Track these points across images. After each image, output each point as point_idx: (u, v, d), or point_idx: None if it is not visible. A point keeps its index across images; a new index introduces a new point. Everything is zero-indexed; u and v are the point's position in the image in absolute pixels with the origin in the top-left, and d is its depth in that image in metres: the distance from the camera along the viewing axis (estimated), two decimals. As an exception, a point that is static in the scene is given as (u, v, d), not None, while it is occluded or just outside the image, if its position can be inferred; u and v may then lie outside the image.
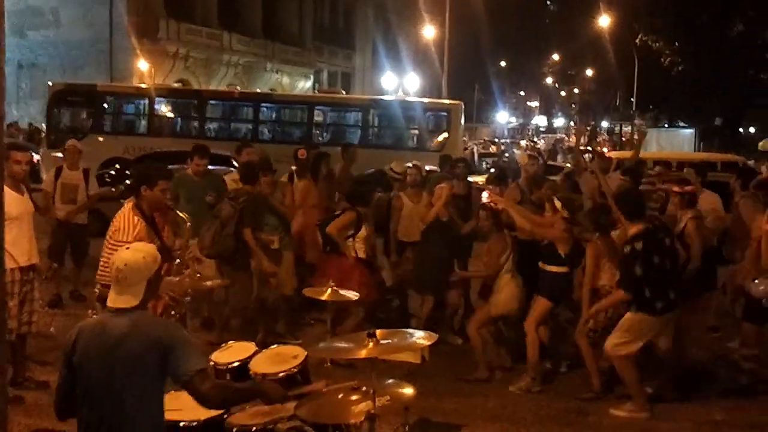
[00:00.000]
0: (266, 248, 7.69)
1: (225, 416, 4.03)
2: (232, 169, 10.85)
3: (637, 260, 6.07)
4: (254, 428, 3.93)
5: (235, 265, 7.47)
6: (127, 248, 3.57)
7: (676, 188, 7.31)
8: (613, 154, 19.78)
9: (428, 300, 7.81)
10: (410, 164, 8.67)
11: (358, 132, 20.82)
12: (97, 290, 5.41)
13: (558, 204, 6.90)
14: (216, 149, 17.57)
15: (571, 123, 67.08)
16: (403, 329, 4.27)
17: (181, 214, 5.76)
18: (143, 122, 21.24)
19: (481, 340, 7.05)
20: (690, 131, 36.23)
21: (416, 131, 20.38)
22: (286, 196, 8.56)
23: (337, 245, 7.41)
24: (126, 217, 5.32)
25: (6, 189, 5.48)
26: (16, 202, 6.12)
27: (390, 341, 3.74)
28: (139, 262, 3.43)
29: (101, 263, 5.43)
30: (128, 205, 5.41)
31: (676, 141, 33.48)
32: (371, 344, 3.61)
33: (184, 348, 3.37)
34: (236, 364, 4.51)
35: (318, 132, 21.00)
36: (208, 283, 5.67)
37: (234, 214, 7.41)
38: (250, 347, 4.72)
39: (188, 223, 5.63)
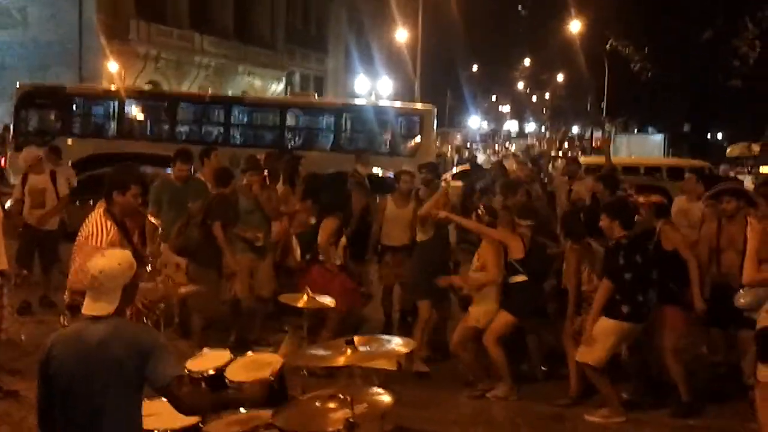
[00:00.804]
0: (252, 245, 7.68)
1: (200, 424, 3.98)
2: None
3: (621, 251, 6.15)
4: (230, 437, 3.88)
5: (201, 263, 7.44)
6: (102, 255, 3.51)
7: (642, 199, 7.24)
8: (583, 160, 19.99)
9: (423, 305, 7.44)
10: (405, 170, 8.59)
11: (330, 136, 20.77)
12: (66, 297, 5.29)
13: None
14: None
15: (542, 128, 67.62)
16: (381, 336, 4.25)
17: (153, 220, 5.69)
18: (113, 124, 21.00)
19: (471, 354, 6.87)
20: (659, 137, 36.71)
21: (389, 135, 20.38)
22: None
23: (316, 253, 7.40)
24: (98, 223, 5.20)
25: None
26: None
27: (368, 348, 3.71)
28: (114, 268, 3.38)
29: (72, 269, 5.30)
30: (99, 210, 5.29)
31: (647, 146, 33.89)
32: (349, 351, 3.58)
33: (162, 354, 3.34)
34: (211, 372, 4.44)
35: (290, 136, 20.93)
36: (182, 289, 5.60)
37: (202, 208, 7.48)
38: (225, 355, 4.64)
39: (160, 229, 5.55)
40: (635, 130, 44.78)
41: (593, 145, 48.23)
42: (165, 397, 3.37)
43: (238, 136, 21.01)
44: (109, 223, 5.17)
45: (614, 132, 43.08)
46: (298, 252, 7.84)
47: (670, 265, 6.45)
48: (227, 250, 7.49)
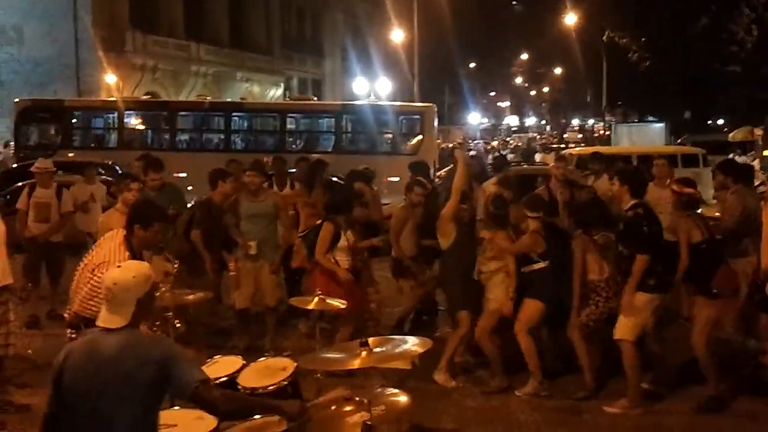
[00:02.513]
0: (245, 254, 7.62)
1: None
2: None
3: (643, 221, 6.12)
4: (247, 444, 3.81)
5: (194, 270, 7.48)
6: (119, 266, 3.46)
7: (675, 188, 7.07)
8: (574, 151, 19.89)
9: (463, 315, 6.90)
10: (419, 181, 8.40)
11: (331, 138, 20.72)
12: (67, 315, 5.21)
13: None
14: (187, 161, 17.73)
15: (543, 122, 67.57)
16: (395, 336, 4.18)
17: (169, 259, 5.66)
18: (113, 136, 20.99)
19: (495, 346, 6.79)
20: (660, 125, 36.56)
21: (390, 135, 20.33)
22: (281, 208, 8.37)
23: None
24: (115, 250, 5.09)
25: (-24, 209, 5.36)
26: (-13, 222, 5.96)
27: (383, 349, 3.64)
28: (128, 281, 3.32)
29: (76, 291, 5.10)
30: (118, 239, 5.20)
31: (648, 135, 33.75)
32: (364, 353, 3.51)
33: (181, 362, 3.28)
34: (224, 379, 4.40)
35: (291, 139, 20.88)
36: (190, 297, 5.53)
37: (186, 217, 7.65)
38: (237, 362, 4.61)
39: (175, 268, 5.48)
40: (636, 120, 44.67)
41: (594, 135, 48.17)
42: (196, 404, 3.32)
43: (239, 142, 20.97)
44: (126, 254, 5.08)
45: (614, 122, 42.99)
46: (303, 252, 7.72)
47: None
48: (206, 256, 7.58)
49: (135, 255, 5.12)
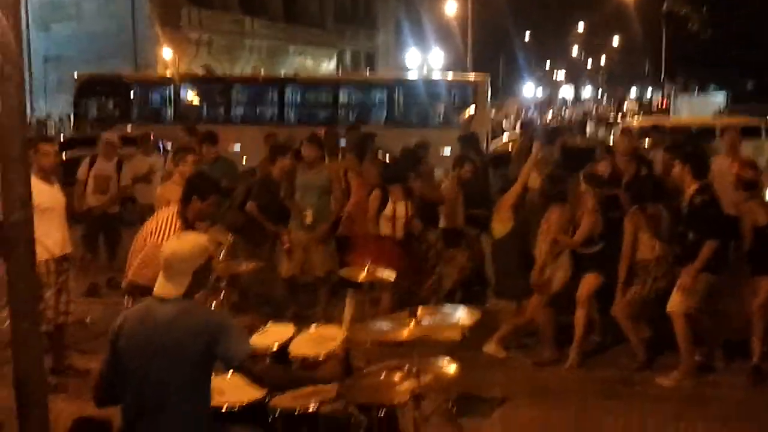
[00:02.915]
0: (301, 224, 7.72)
1: (267, 399, 4.00)
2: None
3: (710, 207, 6.05)
4: (298, 411, 3.88)
5: (250, 241, 7.59)
6: (177, 237, 3.56)
7: (738, 170, 6.73)
8: (641, 121, 19.46)
9: (528, 304, 6.82)
10: (468, 158, 8.37)
11: (383, 111, 20.68)
12: (124, 284, 5.35)
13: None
14: (241, 133, 17.93)
15: (599, 93, 66.32)
16: (444, 306, 4.19)
17: (222, 233, 5.75)
18: (170, 110, 21.29)
19: (549, 319, 6.78)
20: (721, 96, 35.58)
21: (442, 108, 20.19)
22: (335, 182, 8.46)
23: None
24: (169, 221, 5.20)
25: (36, 181, 5.48)
26: (46, 193, 6.12)
27: (432, 320, 3.66)
28: (186, 252, 3.43)
29: (132, 260, 5.25)
30: (172, 210, 5.31)
31: (708, 106, 32.81)
32: (412, 324, 3.53)
33: (232, 334, 3.37)
34: (275, 347, 4.46)
35: (343, 113, 20.90)
36: (243, 266, 5.61)
37: (243, 189, 7.75)
38: (289, 330, 4.67)
39: (229, 240, 5.57)
40: (696, 90, 43.51)
41: (653, 107, 47.12)
42: (241, 374, 3.41)
43: (292, 115, 21.08)
44: (179, 225, 5.18)
45: (674, 93, 41.98)
46: (353, 221, 7.76)
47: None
48: (266, 223, 7.69)
49: (188, 226, 5.24)
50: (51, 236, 6.10)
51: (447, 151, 15.32)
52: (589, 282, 6.60)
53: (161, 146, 14.91)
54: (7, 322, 3.37)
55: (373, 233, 7.38)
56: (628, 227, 6.45)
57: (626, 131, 9.54)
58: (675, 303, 6.17)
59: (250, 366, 3.40)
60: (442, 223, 8.16)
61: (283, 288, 8.04)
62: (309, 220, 7.75)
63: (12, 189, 2.73)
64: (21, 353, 2.68)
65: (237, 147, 17.32)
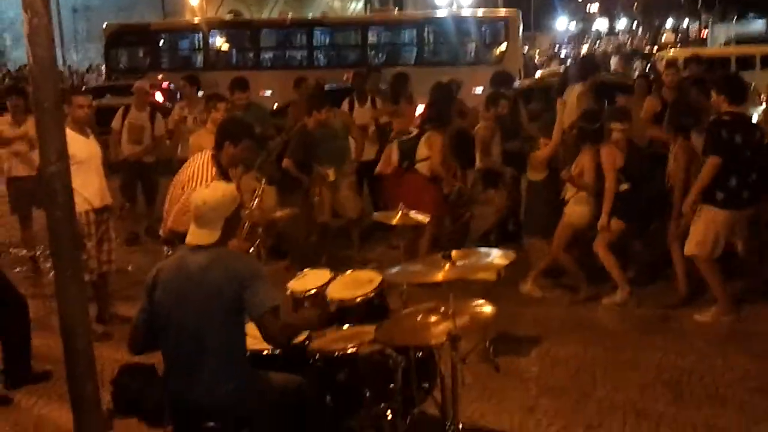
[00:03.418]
0: (323, 181, 7.75)
1: (306, 342, 4.07)
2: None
3: (725, 127, 5.87)
4: (337, 353, 3.95)
5: (288, 190, 7.65)
6: (207, 186, 3.60)
7: None
8: (670, 54, 18.92)
9: (536, 242, 7.04)
10: (502, 94, 8.26)
11: (413, 51, 20.42)
12: (162, 232, 5.43)
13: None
14: (271, 78, 17.86)
15: (634, 24, 64.64)
16: (479, 248, 4.19)
17: (257, 177, 5.75)
18: (199, 56, 21.26)
19: (571, 258, 6.76)
20: (761, 23, 34.43)
21: (473, 45, 19.87)
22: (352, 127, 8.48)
23: (412, 163, 7.34)
24: (203, 166, 5.21)
25: (71, 133, 5.55)
26: (82, 145, 6.19)
27: (466, 262, 3.66)
28: (218, 200, 3.48)
29: (169, 208, 5.27)
30: (206, 155, 5.32)
31: (747, 35, 31.75)
32: (447, 266, 3.54)
33: (260, 284, 3.40)
34: (313, 291, 4.52)
35: (373, 53, 20.68)
36: (278, 213, 5.66)
37: (280, 144, 7.72)
38: (325, 274, 4.72)
39: (262, 187, 5.57)
40: (734, 18, 42.15)
41: (693, 37, 45.83)
42: (258, 327, 3.43)
43: (321, 58, 20.93)
44: (213, 171, 5.20)
45: (711, 22, 40.76)
46: (395, 157, 7.69)
47: None
48: (303, 178, 7.66)
49: (223, 172, 5.27)
50: (89, 187, 6.19)
51: (478, 90, 15.15)
52: (609, 227, 6.48)
53: (178, 95, 14.89)
54: (52, 273, 3.45)
55: (408, 176, 7.37)
56: (680, 156, 6.32)
57: (672, 63, 9.29)
58: (689, 244, 6.08)
59: (269, 320, 3.38)
60: (478, 164, 8.12)
61: (317, 235, 8.12)
62: (332, 177, 7.77)
63: (47, 141, 2.75)
64: (65, 303, 2.74)
65: (267, 93, 17.28)
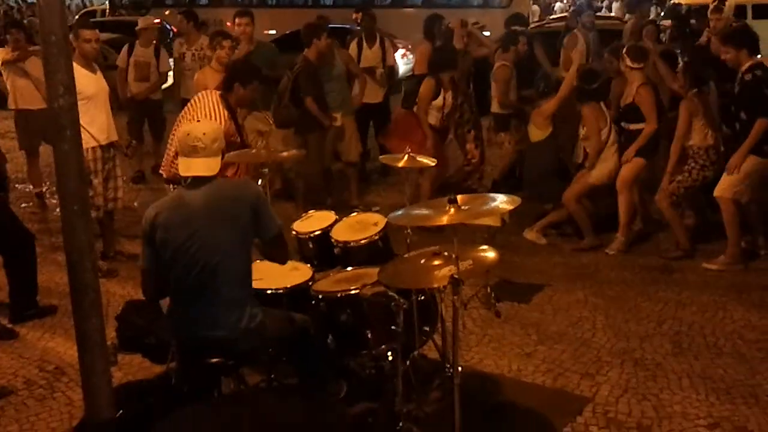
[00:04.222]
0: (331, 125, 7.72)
1: (310, 283, 4.10)
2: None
3: (763, 84, 5.84)
4: (339, 294, 3.98)
5: (301, 131, 7.53)
6: (198, 121, 3.63)
7: None
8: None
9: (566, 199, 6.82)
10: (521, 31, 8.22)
11: None
12: (164, 171, 5.42)
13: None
14: (276, 17, 17.56)
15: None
16: (485, 194, 4.19)
17: (265, 117, 5.73)
18: None
19: (582, 208, 6.77)
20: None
21: None
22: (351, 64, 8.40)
23: (413, 104, 7.34)
24: (213, 105, 5.19)
25: (79, 68, 5.51)
26: (90, 81, 6.15)
27: (471, 207, 3.66)
28: (217, 131, 3.55)
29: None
30: (215, 95, 5.29)
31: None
32: (452, 210, 3.53)
33: (267, 206, 3.53)
34: (318, 232, 4.55)
35: None
36: (284, 153, 5.64)
37: (288, 83, 7.45)
38: (330, 216, 4.74)
39: (271, 126, 5.55)
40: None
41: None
42: (270, 247, 3.60)
43: None
44: (224, 111, 5.18)
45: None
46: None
47: None
48: (322, 117, 7.49)
49: (232, 112, 5.25)
50: (96, 124, 6.17)
51: (486, 33, 14.92)
52: (630, 166, 6.51)
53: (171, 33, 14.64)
54: (58, 209, 3.46)
55: (418, 121, 7.34)
56: (684, 111, 6.29)
57: (717, 9, 8.92)
58: (723, 187, 6.08)
59: (281, 241, 3.58)
60: (494, 108, 8.07)
61: (320, 178, 8.12)
62: (339, 122, 7.72)
63: (54, 75, 2.73)
64: (72, 238, 2.75)
65: (272, 32, 17.03)
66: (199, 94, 5.37)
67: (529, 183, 7.23)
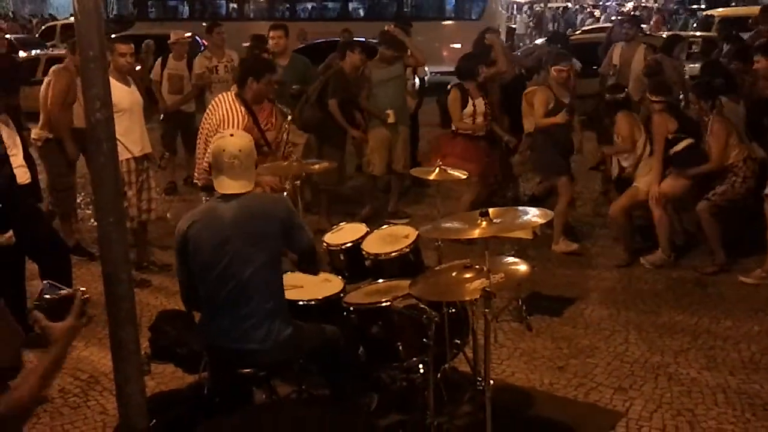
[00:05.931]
0: (384, 122, 7.74)
1: (342, 295, 4.11)
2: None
3: None
4: (370, 306, 3.99)
5: (323, 139, 7.62)
6: (232, 135, 3.64)
7: None
8: (717, 12, 18.19)
9: (563, 182, 6.96)
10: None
11: (394, 5, 20.02)
12: (198, 180, 5.48)
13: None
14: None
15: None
16: (517, 207, 4.17)
17: (281, 107, 5.76)
18: (186, 7, 21.48)
19: (628, 223, 6.72)
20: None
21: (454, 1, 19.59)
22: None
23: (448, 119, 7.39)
24: (231, 107, 5.28)
25: (113, 82, 5.58)
26: (124, 94, 6.24)
27: (503, 220, 3.65)
28: (250, 146, 3.57)
29: (202, 152, 5.38)
30: (230, 95, 5.37)
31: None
32: (484, 224, 3.52)
33: (298, 223, 3.56)
34: (349, 244, 4.55)
35: (354, 5, 20.38)
36: (316, 166, 5.68)
37: (318, 85, 7.56)
38: (361, 228, 4.74)
39: (289, 116, 5.59)
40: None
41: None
42: (302, 259, 3.64)
43: (307, 9, 20.76)
44: (242, 109, 5.25)
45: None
46: None
47: None
48: (344, 123, 7.59)
49: (249, 109, 5.31)
50: (130, 136, 6.26)
51: (457, 46, 15.03)
52: (673, 184, 6.44)
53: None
54: (92, 220, 3.51)
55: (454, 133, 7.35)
56: (720, 132, 6.22)
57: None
58: None
59: (314, 254, 3.63)
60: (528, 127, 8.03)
61: (369, 186, 8.19)
62: (392, 119, 7.74)
63: (91, 89, 2.77)
64: (107, 249, 2.78)
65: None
66: (218, 97, 5.45)
67: (547, 164, 7.20)
